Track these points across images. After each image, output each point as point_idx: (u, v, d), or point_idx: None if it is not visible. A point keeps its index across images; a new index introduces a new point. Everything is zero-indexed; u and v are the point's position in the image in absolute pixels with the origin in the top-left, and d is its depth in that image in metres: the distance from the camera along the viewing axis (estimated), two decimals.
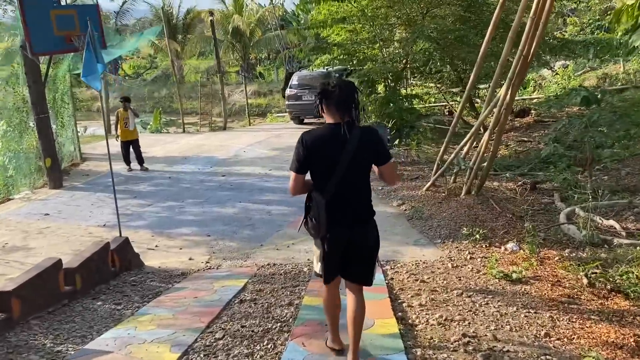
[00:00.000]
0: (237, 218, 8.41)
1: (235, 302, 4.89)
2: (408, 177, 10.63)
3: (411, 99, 12.83)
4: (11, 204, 9.95)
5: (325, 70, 15.87)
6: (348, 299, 3.27)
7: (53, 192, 10.48)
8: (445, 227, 7.51)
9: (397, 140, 13.39)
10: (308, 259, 6.58)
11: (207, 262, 6.72)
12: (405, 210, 8.50)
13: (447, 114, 19.06)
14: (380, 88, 13.12)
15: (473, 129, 8.56)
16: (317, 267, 3.27)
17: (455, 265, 6.05)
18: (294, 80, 16.51)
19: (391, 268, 6.10)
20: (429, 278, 5.62)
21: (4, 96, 10.48)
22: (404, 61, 12.71)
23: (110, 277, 5.73)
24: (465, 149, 8.94)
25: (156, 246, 7.41)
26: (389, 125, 12.61)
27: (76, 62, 16.65)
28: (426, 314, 4.48)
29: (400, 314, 4.48)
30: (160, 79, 34.31)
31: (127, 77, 34.16)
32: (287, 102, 16.68)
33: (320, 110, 3.11)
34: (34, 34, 8.62)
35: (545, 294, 5.03)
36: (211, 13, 18.11)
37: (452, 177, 9.45)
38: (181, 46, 32.50)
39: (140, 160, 12.25)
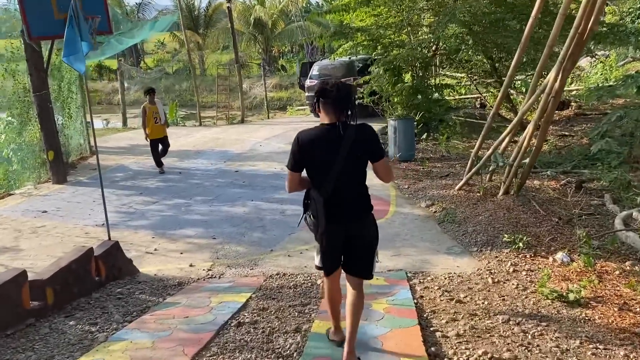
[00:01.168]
0: (247, 218, 7.59)
1: (232, 324, 4.06)
2: (437, 174, 9.66)
3: (441, 89, 11.80)
4: (10, 200, 9.32)
5: (347, 59, 14.94)
6: (347, 290, 3.32)
7: (56, 188, 9.83)
8: (482, 233, 6.57)
9: (425, 134, 12.42)
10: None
11: (209, 270, 5.91)
12: (435, 212, 7.57)
13: (478, 106, 17.96)
14: (407, 78, 12.15)
15: (515, 121, 7.57)
16: (317, 259, 3.38)
17: (496, 280, 5.12)
18: (314, 70, 15.60)
19: (420, 282, 5.20)
20: (466, 297, 4.71)
21: (2, 84, 9.81)
22: (433, 47, 11.72)
23: (93, 288, 4.96)
24: (504, 143, 7.95)
25: (155, 250, 6.64)
26: (417, 118, 11.65)
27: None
28: (466, 349, 3.57)
29: (433, 348, 3.58)
30: (182, 72, 33.78)
31: (149, 70, 33.71)
32: (306, 94, 15.79)
33: (316, 109, 3.16)
34: (32, 16, 7.94)
35: (612, 321, 4.08)
36: (228, 0, 17.25)
37: (488, 176, 8.47)
38: (203, 39, 31.87)
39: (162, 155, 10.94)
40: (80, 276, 4.77)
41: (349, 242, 3.22)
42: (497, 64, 12.74)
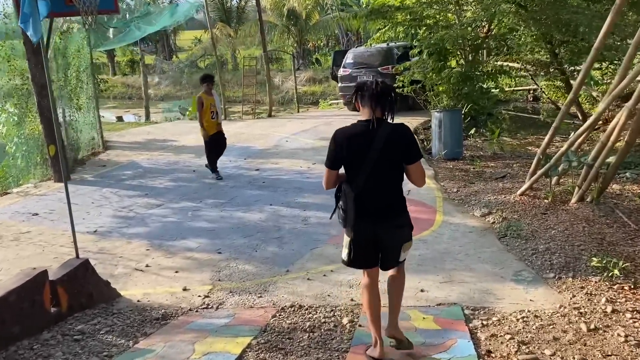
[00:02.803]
0: (262, 227, 6.30)
1: None
2: (491, 175, 8.16)
3: (496, 75, 10.19)
4: (5, 200, 8.32)
5: (385, 46, 13.46)
6: (388, 278, 3.32)
7: (56, 187, 8.78)
8: (559, 253, 5.11)
9: (473, 129, 10.89)
10: (352, 300, 4.39)
11: (205, 296, 4.64)
12: (493, 223, 6.10)
13: (530, 99, 16.24)
14: (453, 64, 10.63)
15: (600, 110, 6.02)
16: (344, 253, 3.29)
17: (591, 325, 3.68)
18: (348, 58, 14.15)
19: (483, 325, 3.80)
20: (554, 355, 3.28)
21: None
22: (485, 28, 10.19)
23: (45, 324, 3.75)
24: (580, 139, 6.41)
25: (147, 266, 5.42)
26: (464, 110, 10.12)
27: (99, 37, 15.18)
28: None
29: None
30: (214, 66, 32.86)
31: (180, 65, 32.95)
32: (339, 84, 14.34)
33: (355, 105, 3.13)
34: None
35: None
36: None
37: (555, 178, 6.94)
38: (235, 32, 30.85)
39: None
40: (24, 311, 3.56)
41: (378, 241, 3.15)
42: (557, 49, 11.05)
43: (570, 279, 4.61)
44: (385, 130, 2.98)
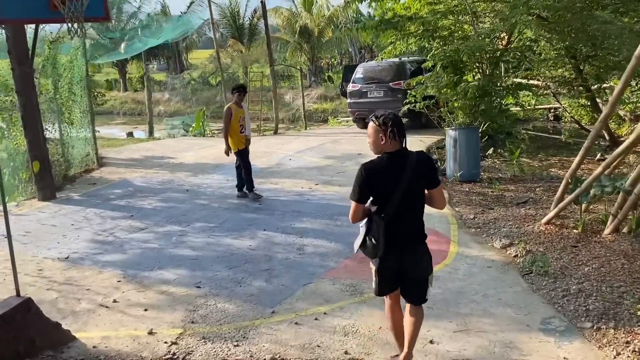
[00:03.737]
0: (251, 256, 5.57)
1: None
2: (512, 200, 7.36)
3: (516, 90, 9.39)
4: None
5: (397, 60, 12.77)
6: (406, 310, 3.38)
7: (39, 206, 8.15)
8: (595, 296, 4.32)
9: (491, 149, 10.10)
10: (346, 352, 3.62)
11: (172, 343, 3.91)
12: (515, 256, 5.31)
13: (551, 119, 15.39)
14: (469, 79, 9.89)
15: (638, 132, 5.24)
16: (374, 282, 3.37)
17: None
18: (358, 73, 13.46)
19: None
20: None
21: None
22: (504, 40, 9.47)
23: None
24: (616, 162, 5.62)
25: (115, 301, 4.70)
26: (482, 128, 9.35)
27: (96, 48, 14.74)
28: None
29: None
30: (227, 83, 32.52)
31: (192, 82, 32.65)
32: (349, 100, 13.61)
33: (381, 141, 3.13)
34: None
35: None
36: None
37: (584, 205, 6.14)
38: (247, 48, 30.50)
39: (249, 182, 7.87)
40: None
41: (404, 269, 3.24)
42: (582, 65, 10.27)
43: (612, 330, 3.81)
44: (412, 161, 3.11)
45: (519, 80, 9.43)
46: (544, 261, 4.94)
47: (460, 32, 10.07)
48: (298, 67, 22.51)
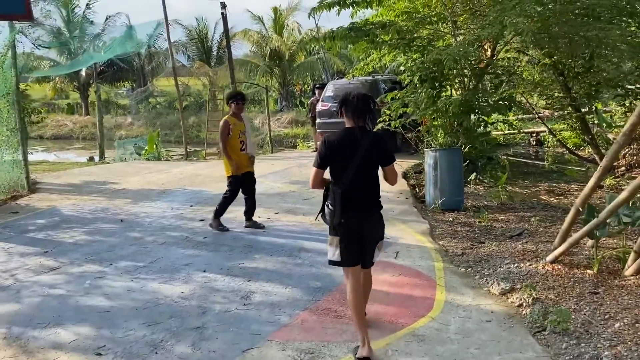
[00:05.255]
0: (180, 309, 4.27)
1: None
2: (504, 232, 6.27)
3: (505, 108, 8.34)
4: None
5: (370, 78, 11.77)
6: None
7: None
8: None
9: (473, 174, 9.06)
10: None
11: None
12: (520, 305, 4.15)
13: (533, 143, 14.57)
14: (447, 94, 8.85)
15: None
16: (330, 253, 3.53)
17: None
18: (328, 91, 12.38)
19: None
20: None
21: None
22: (488, 51, 8.52)
23: None
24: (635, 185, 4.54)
25: None
26: (464, 149, 8.30)
27: (30, 59, 13.40)
28: None
29: None
30: (192, 107, 31.31)
31: (157, 106, 31.34)
32: (318, 120, 12.47)
33: (340, 115, 3.63)
34: None
35: None
36: (223, 5, 14.33)
37: (592, 242, 5.07)
38: (215, 72, 29.38)
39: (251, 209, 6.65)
40: None
41: (361, 234, 3.47)
42: (570, 83, 9.36)
43: None
44: (369, 137, 3.48)
45: (509, 93, 8.41)
46: (560, 314, 3.77)
47: (440, 42, 9.09)
48: (263, 86, 21.32)
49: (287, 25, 28.96)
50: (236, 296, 4.46)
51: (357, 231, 3.44)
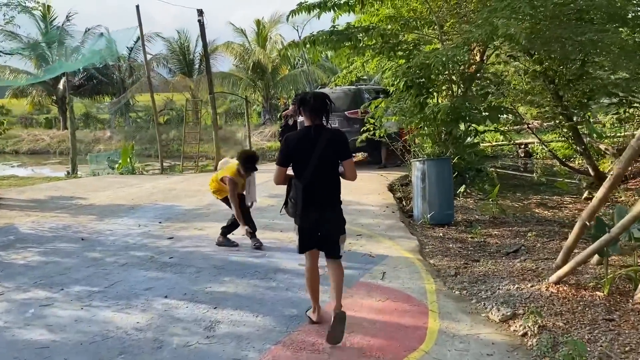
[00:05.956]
0: (133, 343, 3.66)
1: None
2: (499, 249, 5.76)
3: (498, 112, 7.87)
4: None
5: (353, 88, 11.31)
6: (328, 267, 3.78)
7: None
8: None
9: (462, 186, 8.57)
10: None
11: None
12: (524, 334, 3.62)
13: (522, 155, 14.21)
14: (433, 101, 8.38)
15: None
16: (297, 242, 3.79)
17: None
18: None
19: None
20: None
21: None
22: (477, 56, 8.11)
23: None
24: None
25: None
26: (454, 160, 7.82)
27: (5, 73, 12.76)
28: None
29: None
30: (173, 121, 30.70)
31: (138, 120, 30.66)
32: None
33: (298, 114, 4.17)
34: None
35: None
36: (200, 12, 13.79)
37: (596, 258, 4.58)
38: (197, 85, 28.83)
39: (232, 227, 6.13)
40: None
41: (320, 227, 3.67)
42: (561, 91, 8.97)
43: None
44: (327, 135, 3.63)
45: (498, 102, 7.98)
46: (573, 346, 3.25)
47: (427, 47, 8.65)
48: (243, 97, 20.80)
49: (270, 38, 28.55)
50: (199, 327, 3.87)
51: (316, 221, 3.62)
